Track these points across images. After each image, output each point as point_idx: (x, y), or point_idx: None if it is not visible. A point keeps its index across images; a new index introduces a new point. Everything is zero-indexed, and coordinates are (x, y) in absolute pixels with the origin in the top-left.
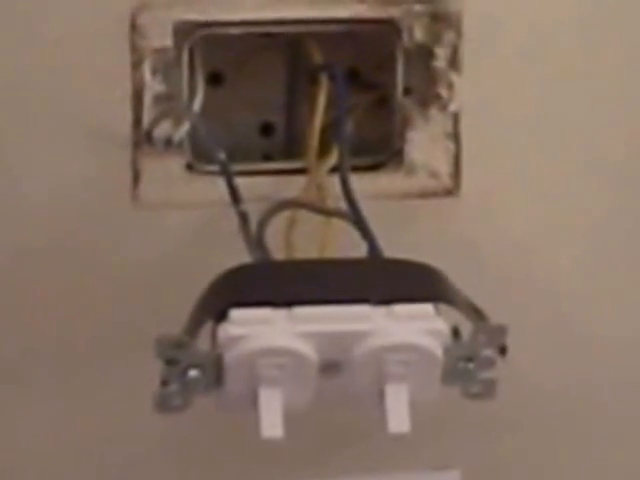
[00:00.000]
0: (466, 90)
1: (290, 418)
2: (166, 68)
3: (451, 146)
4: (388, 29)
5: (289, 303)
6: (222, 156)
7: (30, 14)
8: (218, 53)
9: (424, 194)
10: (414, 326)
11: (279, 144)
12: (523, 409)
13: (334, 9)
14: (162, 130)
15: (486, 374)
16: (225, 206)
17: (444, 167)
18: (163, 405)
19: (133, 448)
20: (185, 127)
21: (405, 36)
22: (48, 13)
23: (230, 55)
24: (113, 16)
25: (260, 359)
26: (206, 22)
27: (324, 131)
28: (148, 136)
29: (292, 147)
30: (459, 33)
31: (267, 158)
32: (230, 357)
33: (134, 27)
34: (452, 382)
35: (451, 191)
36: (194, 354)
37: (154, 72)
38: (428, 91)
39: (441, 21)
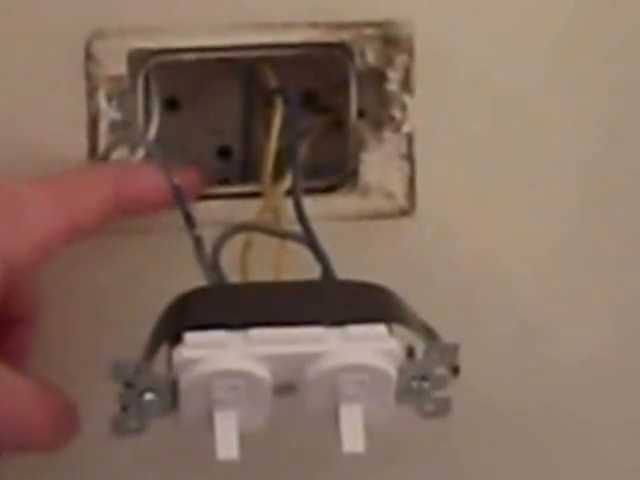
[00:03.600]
0: (419, 111)
1: (244, 440)
2: (121, 95)
3: (405, 167)
4: (341, 53)
5: (244, 325)
6: (176, 181)
7: None
8: (173, 79)
9: (379, 215)
10: (367, 347)
11: (236, 168)
12: (478, 427)
13: (287, 34)
14: (118, 157)
15: (440, 392)
16: (182, 230)
17: (399, 188)
18: (119, 428)
19: None
20: (140, 154)
21: (357, 59)
22: (2, 42)
23: (185, 81)
24: (67, 44)
25: (215, 381)
26: (160, 49)
27: (280, 154)
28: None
29: (249, 171)
30: (411, 56)
31: (224, 182)
32: (185, 380)
33: (89, 55)
34: (406, 401)
35: (406, 211)
36: (150, 377)
37: (109, 99)
38: (382, 113)
39: (393, 44)
